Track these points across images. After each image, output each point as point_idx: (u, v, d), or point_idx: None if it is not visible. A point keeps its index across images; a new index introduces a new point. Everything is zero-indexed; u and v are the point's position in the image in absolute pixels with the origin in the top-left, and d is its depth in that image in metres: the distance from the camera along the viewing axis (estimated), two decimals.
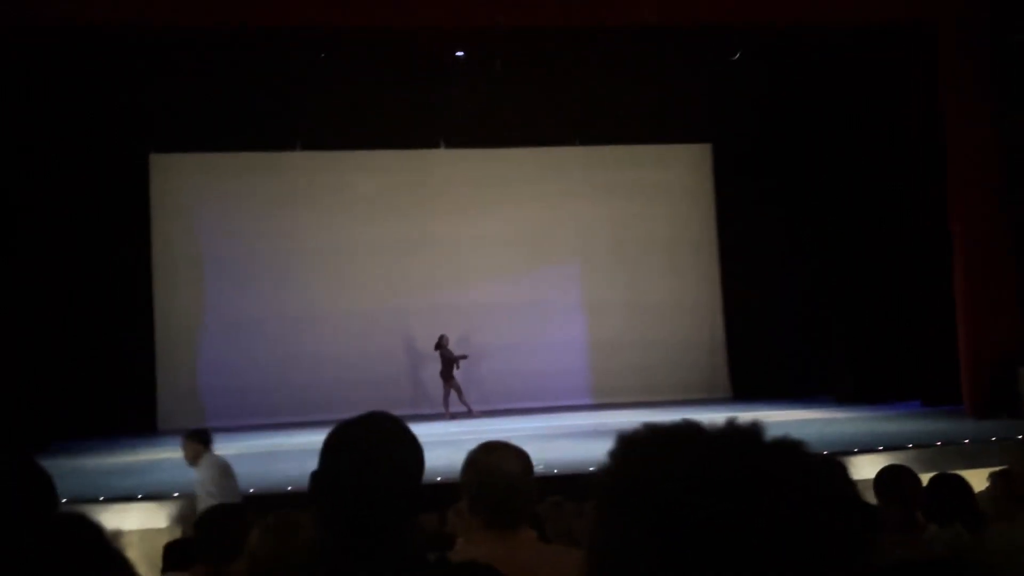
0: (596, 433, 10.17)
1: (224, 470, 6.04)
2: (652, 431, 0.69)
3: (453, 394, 13.11)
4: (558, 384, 14.02)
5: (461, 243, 14.15)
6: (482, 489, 1.95)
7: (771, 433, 0.69)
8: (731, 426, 0.68)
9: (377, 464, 1.46)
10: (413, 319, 13.91)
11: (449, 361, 13.11)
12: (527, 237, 14.28)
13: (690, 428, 0.68)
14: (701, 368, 14.43)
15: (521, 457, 2.03)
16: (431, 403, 13.35)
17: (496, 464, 1.97)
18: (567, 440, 9.77)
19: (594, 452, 8.16)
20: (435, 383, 13.37)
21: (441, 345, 13.21)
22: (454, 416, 12.79)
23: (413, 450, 1.52)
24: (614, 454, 0.70)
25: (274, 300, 13.68)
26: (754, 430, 0.68)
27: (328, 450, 1.50)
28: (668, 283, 14.50)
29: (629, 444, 0.69)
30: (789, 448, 0.68)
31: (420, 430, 1.59)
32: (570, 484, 6.05)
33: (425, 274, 14.01)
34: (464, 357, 13.22)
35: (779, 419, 10.43)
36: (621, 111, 13.49)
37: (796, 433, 0.71)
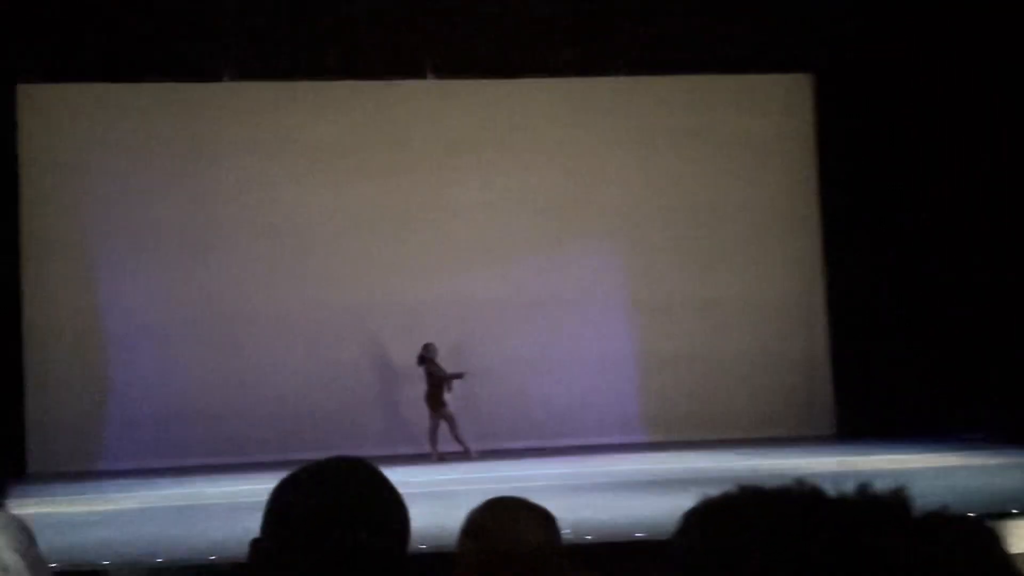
0: (646, 484, 10.18)
1: (28, 533, 6.09)
2: (752, 496, 0.69)
3: (443, 427, 13.14)
4: (593, 415, 14.04)
5: (456, 213, 14.16)
6: (489, 563, 1.97)
7: (920, 504, 0.68)
8: (864, 493, 0.68)
9: (343, 527, 1.48)
10: (386, 320, 13.93)
11: (438, 381, 13.14)
12: (550, 206, 14.28)
13: (805, 494, 0.68)
14: (795, 394, 14.43)
15: (542, 520, 2.05)
16: (411, 440, 13.39)
17: (508, 529, 1.99)
18: (605, 494, 9.79)
19: (643, 511, 8.17)
20: (418, 411, 13.40)
21: (426, 359, 13.23)
22: (443, 458, 12.83)
23: (393, 508, 1.54)
24: (699, 528, 0.70)
25: (193, 292, 13.72)
26: (898, 500, 0.68)
27: (275, 508, 1.52)
28: (750, 274, 14.49)
29: (719, 514, 0.69)
30: (950, 527, 0.68)
31: (396, 478, 1.61)
32: (610, 554, 6.06)
33: (404, 257, 14.03)
34: (459, 376, 13.24)
35: (902, 467, 10.42)
36: (684, 28, 13.44)
37: (929, 488, 0.71)
